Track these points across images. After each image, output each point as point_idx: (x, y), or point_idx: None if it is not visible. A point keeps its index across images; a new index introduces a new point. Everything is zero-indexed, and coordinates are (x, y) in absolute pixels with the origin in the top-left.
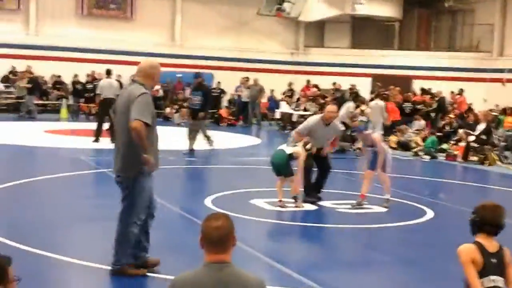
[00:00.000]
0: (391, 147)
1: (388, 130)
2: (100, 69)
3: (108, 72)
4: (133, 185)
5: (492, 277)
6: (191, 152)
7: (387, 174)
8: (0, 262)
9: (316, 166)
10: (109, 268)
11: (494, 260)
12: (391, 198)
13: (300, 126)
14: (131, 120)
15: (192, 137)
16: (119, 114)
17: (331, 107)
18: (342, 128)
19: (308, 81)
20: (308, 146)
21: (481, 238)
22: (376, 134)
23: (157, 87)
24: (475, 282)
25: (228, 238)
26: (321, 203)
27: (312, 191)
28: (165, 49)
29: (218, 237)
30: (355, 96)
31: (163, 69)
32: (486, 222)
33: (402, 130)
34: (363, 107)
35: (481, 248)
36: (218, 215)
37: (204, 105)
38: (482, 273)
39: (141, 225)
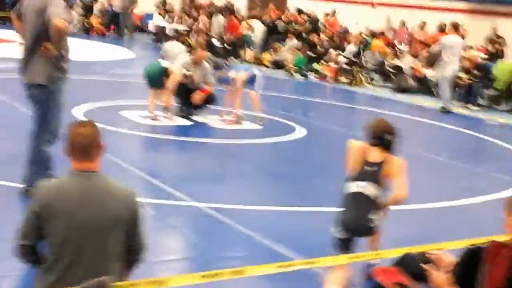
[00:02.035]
0: (264, 65)
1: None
2: None
3: None
4: (47, 97)
5: (362, 183)
6: None
7: (257, 92)
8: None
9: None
10: (21, 187)
11: (370, 168)
12: (263, 115)
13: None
14: (53, 19)
15: None
16: (29, 20)
17: (199, 52)
18: (210, 70)
19: None
20: (187, 73)
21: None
22: (234, 74)
23: None
24: (349, 163)
25: (95, 145)
26: (195, 118)
27: (186, 108)
28: None
29: (85, 144)
30: (227, 11)
31: None
32: (369, 135)
33: (276, 48)
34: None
35: (365, 154)
36: (84, 122)
37: None
38: (356, 177)
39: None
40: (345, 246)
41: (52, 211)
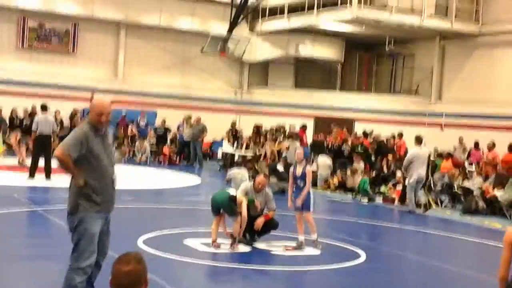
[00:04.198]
0: (330, 189)
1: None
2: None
3: (44, 108)
4: (76, 226)
5: None
6: None
7: (310, 214)
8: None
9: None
10: None
11: None
12: (319, 240)
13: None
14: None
15: None
16: None
17: (260, 178)
18: (272, 197)
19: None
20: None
21: None
22: (310, 168)
23: None
24: (502, 264)
25: (139, 283)
26: (255, 244)
27: (248, 235)
28: (108, 85)
29: (127, 283)
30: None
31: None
32: None
33: (352, 171)
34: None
35: None
36: (129, 258)
37: None
38: None
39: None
40: None
41: None
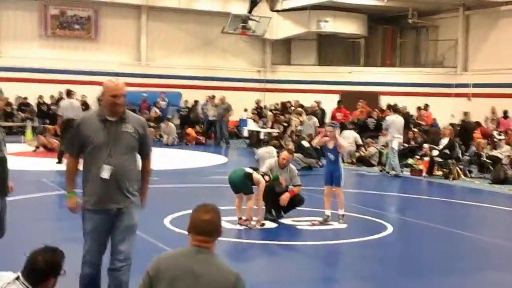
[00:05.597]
0: (355, 164)
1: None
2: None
3: (69, 93)
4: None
5: None
6: None
7: (341, 189)
8: (57, 257)
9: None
10: None
11: None
12: (346, 213)
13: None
14: None
15: None
16: None
17: (284, 154)
18: (298, 172)
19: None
20: (266, 178)
21: None
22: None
23: None
24: None
25: (216, 231)
26: (281, 220)
27: (274, 211)
28: (131, 69)
29: (206, 229)
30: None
31: (128, 88)
32: None
33: (368, 144)
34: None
35: None
36: (208, 208)
37: None
38: None
39: (96, 269)
40: None
41: (161, 275)
